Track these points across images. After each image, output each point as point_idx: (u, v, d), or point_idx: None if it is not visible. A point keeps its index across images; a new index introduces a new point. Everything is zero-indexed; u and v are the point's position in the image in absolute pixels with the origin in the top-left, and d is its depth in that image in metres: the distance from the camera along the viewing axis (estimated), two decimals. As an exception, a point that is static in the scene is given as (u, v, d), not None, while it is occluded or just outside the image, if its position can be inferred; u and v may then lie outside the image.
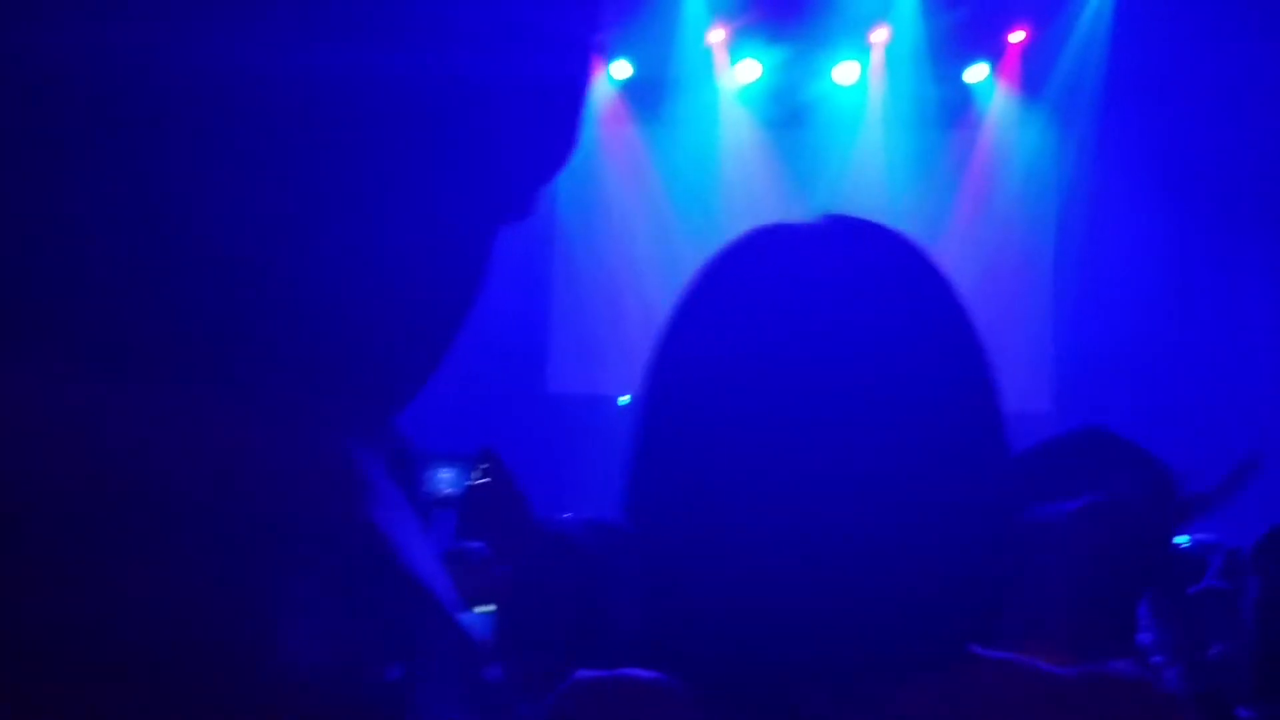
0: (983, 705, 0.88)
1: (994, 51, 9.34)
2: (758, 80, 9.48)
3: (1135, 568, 1.85)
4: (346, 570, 0.38)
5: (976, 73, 9.38)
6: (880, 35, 9.33)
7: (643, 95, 9.54)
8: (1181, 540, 3.44)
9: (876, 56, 9.40)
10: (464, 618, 0.42)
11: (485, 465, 2.38)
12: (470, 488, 2.37)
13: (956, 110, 9.43)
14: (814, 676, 0.88)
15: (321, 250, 0.40)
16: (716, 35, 9.36)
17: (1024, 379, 8.72)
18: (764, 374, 0.89)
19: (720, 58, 9.46)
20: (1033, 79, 9.32)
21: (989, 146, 9.48)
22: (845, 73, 9.42)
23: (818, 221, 0.97)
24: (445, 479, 2.34)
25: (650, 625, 0.95)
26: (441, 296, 0.44)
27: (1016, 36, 9.27)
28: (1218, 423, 8.41)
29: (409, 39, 0.40)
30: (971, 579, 0.89)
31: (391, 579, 0.39)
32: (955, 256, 8.46)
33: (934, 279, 0.95)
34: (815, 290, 0.92)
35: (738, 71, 9.47)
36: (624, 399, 8.52)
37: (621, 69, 9.53)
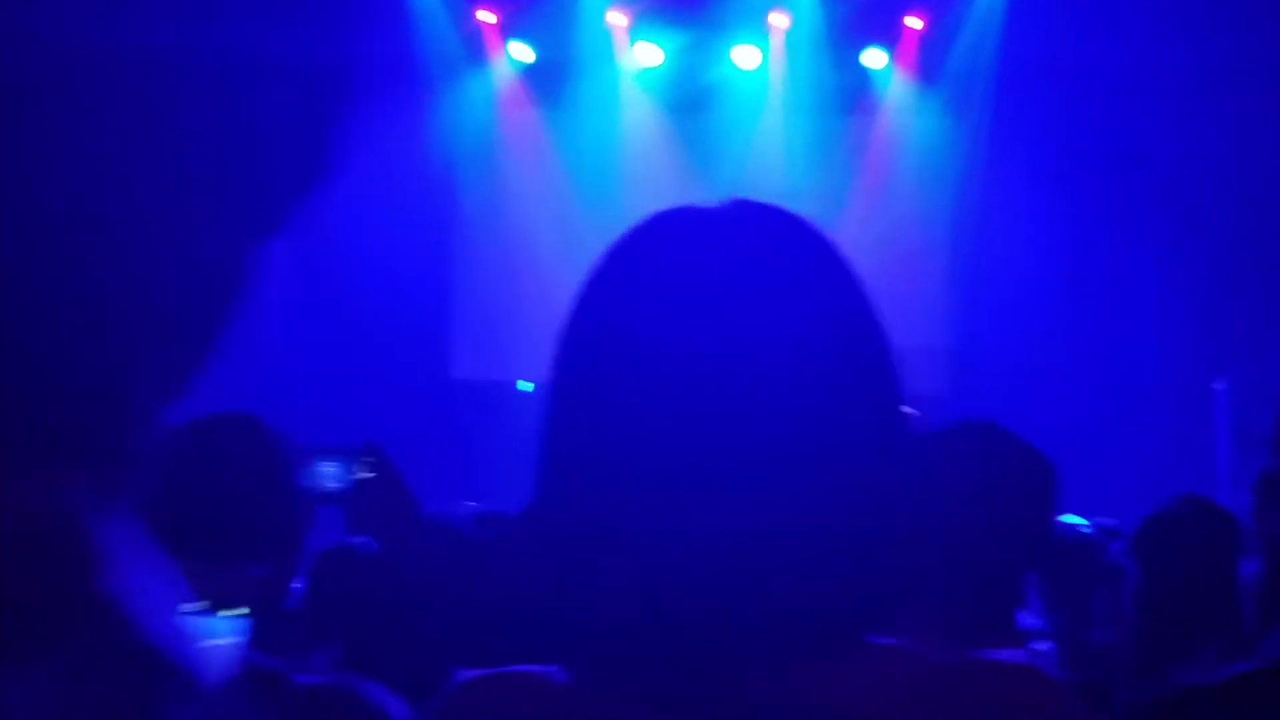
0: (871, 692, 0.88)
1: (892, 38, 9.41)
2: (659, 64, 9.46)
3: (1010, 553, 1.88)
4: (84, 650, 0.35)
5: (875, 58, 9.44)
6: (780, 20, 9.35)
7: (543, 78, 9.48)
8: (1081, 523, 3.47)
9: (776, 41, 9.42)
10: (209, 684, 0.39)
11: (370, 459, 2.36)
12: (355, 482, 2.34)
13: (855, 96, 9.49)
14: (707, 665, 0.88)
15: (45, 277, 0.36)
16: (617, 19, 9.32)
17: (922, 362, 8.81)
18: (667, 359, 0.89)
19: (621, 41, 9.43)
20: (930, 66, 9.41)
21: (887, 132, 9.55)
22: (746, 57, 9.43)
23: (722, 205, 0.97)
24: (329, 473, 2.31)
25: (546, 613, 0.94)
26: (186, 320, 0.41)
27: (914, 23, 9.34)
28: (1109, 406, 8.59)
29: (157, 56, 0.37)
30: (873, 567, 0.89)
31: (131, 653, 0.36)
32: (853, 240, 8.41)
33: (837, 264, 0.95)
34: (719, 275, 0.92)
35: (638, 55, 9.44)
36: (525, 385, 8.48)
37: (521, 52, 9.46)
